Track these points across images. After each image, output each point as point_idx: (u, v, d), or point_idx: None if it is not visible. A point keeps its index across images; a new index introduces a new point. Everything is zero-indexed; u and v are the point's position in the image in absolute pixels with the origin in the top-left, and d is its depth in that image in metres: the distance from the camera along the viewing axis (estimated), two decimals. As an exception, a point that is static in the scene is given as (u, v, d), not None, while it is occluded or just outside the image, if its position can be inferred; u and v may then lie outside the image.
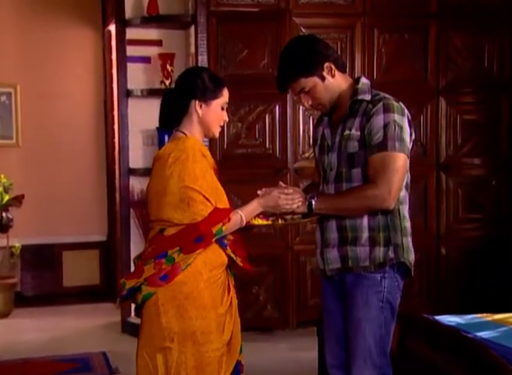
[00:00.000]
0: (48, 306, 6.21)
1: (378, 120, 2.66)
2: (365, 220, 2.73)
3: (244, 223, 2.79)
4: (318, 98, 2.78)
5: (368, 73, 5.17)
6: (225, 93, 2.86)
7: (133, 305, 5.21)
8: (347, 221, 2.74)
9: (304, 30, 5.12)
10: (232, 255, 2.81)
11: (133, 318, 5.32)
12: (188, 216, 2.70)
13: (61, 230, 6.54)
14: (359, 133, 2.70)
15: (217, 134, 2.91)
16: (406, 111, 2.73)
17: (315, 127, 2.97)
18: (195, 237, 2.70)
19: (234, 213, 2.77)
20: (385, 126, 2.65)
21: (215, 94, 2.82)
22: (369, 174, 2.68)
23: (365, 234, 2.73)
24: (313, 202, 2.73)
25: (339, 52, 5.15)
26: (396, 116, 2.67)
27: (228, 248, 2.80)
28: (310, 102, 2.80)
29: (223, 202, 2.79)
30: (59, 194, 6.52)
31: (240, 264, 2.84)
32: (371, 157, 2.67)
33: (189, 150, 2.75)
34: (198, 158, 2.75)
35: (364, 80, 2.81)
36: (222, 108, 2.86)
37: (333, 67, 2.75)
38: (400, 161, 2.65)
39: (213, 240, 2.73)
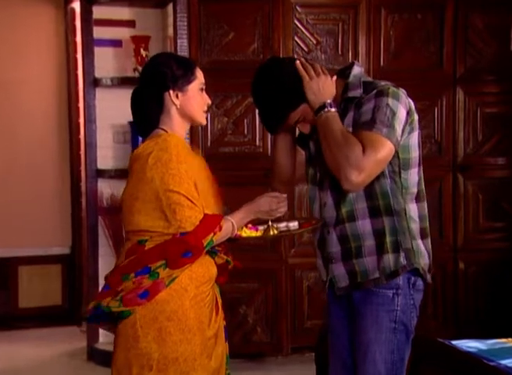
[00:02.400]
0: (0, 331, 6.20)
1: (369, 104, 2.70)
2: (368, 225, 2.76)
3: (235, 232, 2.84)
4: (315, 120, 2.81)
5: (374, 60, 5.20)
6: (199, 73, 2.91)
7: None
8: (348, 230, 2.78)
9: (299, 9, 5.15)
10: (226, 257, 2.87)
11: (101, 344, 5.34)
12: (175, 224, 2.72)
13: (16, 242, 6.53)
14: (350, 129, 2.74)
15: (204, 122, 2.96)
16: (404, 97, 2.75)
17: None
18: (183, 251, 2.72)
19: (225, 220, 2.80)
20: (375, 107, 2.68)
21: (188, 78, 2.86)
22: None
23: (370, 242, 2.77)
24: (325, 111, 2.72)
25: (340, 36, 5.20)
26: (390, 100, 2.70)
27: (221, 253, 2.86)
28: (309, 127, 2.86)
29: (211, 209, 2.82)
30: (14, 200, 6.52)
31: (232, 263, 2.90)
32: (356, 132, 2.69)
33: (172, 149, 2.77)
34: (183, 159, 2.77)
35: (355, 72, 2.84)
36: (201, 90, 2.91)
37: None
38: (385, 151, 2.66)
39: (203, 253, 2.77)
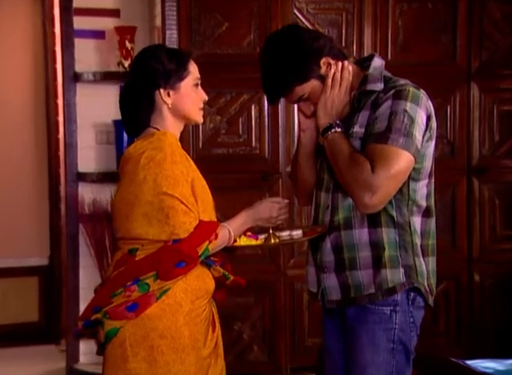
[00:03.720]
0: (-29, 350, 6.21)
1: (385, 108, 2.71)
2: (365, 235, 2.77)
3: (232, 241, 2.85)
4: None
5: (381, 53, 5.19)
6: (193, 67, 2.92)
7: (85, 345, 5.26)
8: (343, 238, 2.79)
9: (299, -2, 5.18)
10: (223, 271, 2.87)
11: (81, 364, 5.33)
12: (167, 231, 2.73)
13: (-11, 252, 6.54)
14: (363, 130, 2.76)
15: (200, 120, 2.98)
16: (425, 100, 2.76)
17: None
18: (177, 260, 2.72)
19: (221, 228, 2.82)
20: (391, 114, 2.69)
21: (181, 74, 2.87)
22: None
23: (365, 253, 2.77)
24: (332, 131, 2.77)
25: (343, 27, 5.21)
26: (409, 105, 2.71)
27: (217, 265, 2.86)
28: (312, 108, 2.87)
29: (208, 214, 2.84)
30: (-13, 206, 6.53)
31: (231, 277, 2.90)
32: (368, 145, 2.71)
33: (166, 148, 2.79)
34: (178, 159, 2.79)
35: (375, 64, 2.85)
36: (196, 86, 2.92)
37: (331, 61, 2.81)
38: (401, 162, 2.68)
39: (197, 263, 2.77)
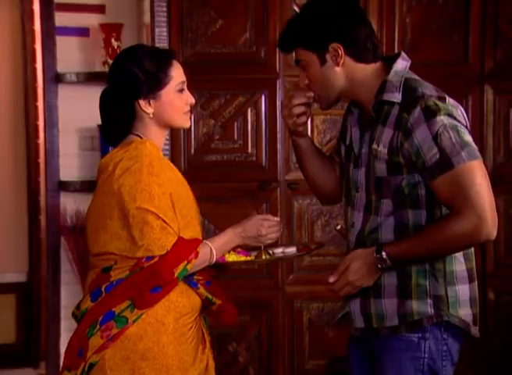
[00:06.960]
0: None
1: (422, 134, 2.66)
2: None
3: (214, 260, 2.86)
4: (311, 80, 2.83)
5: (387, 53, 5.22)
6: (175, 71, 2.92)
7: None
8: None
9: (299, -7, 5.21)
10: (206, 294, 2.88)
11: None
12: (141, 247, 2.76)
13: (-39, 268, 6.56)
14: (386, 151, 2.72)
15: (187, 124, 3.00)
16: (449, 101, 2.73)
17: (344, 117, 3.03)
18: (152, 285, 2.75)
19: (202, 245, 2.84)
20: (436, 137, 2.64)
21: (162, 81, 2.89)
22: (443, 201, 2.71)
23: (391, 280, 2.76)
24: (383, 247, 2.71)
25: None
26: (443, 118, 2.66)
27: (200, 286, 2.88)
28: (306, 82, 2.86)
29: (191, 230, 2.86)
30: (-40, 218, 6.55)
31: (217, 302, 2.91)
32: (433, 181, 2.67)
33: (143, 158, 2.82)
34: (156, 170, 2.81)
35: (397, 67, 2.80)
36: (180, 91, 2.93)
37: (342, 53, 2.75)
38: (478, 172, 2.64)
39: (175, 284, 2.80)
